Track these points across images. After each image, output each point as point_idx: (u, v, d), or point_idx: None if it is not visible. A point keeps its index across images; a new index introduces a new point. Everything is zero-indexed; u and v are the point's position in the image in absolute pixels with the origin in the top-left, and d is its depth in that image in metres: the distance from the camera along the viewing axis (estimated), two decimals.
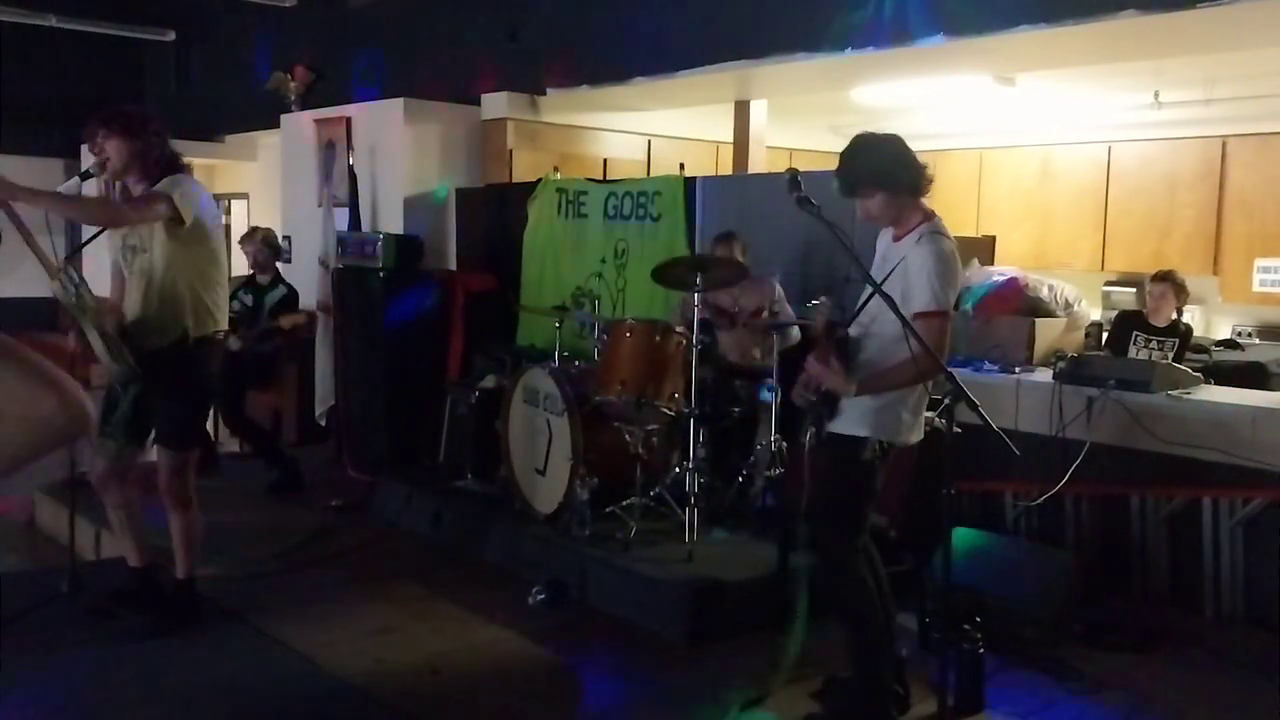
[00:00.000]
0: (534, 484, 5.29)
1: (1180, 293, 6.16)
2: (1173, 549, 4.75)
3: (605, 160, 8.42)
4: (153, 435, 4.30)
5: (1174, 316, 6.20)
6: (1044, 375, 5.13)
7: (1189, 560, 4.70)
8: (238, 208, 12.31)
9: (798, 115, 8.42)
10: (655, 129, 8.61)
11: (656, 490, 5.03)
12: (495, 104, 7.78)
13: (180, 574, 4.36)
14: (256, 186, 11.99)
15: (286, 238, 8.14)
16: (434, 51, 8.38)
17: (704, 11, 6.73)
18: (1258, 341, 7.57)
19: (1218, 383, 5.37)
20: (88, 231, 4.66)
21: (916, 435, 3.56)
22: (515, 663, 4.18)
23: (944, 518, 3.19)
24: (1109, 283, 8.39)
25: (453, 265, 7.59)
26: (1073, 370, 4.94)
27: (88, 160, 4.36)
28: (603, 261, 6.63)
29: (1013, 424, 4.94)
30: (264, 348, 6.81)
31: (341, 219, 7.45)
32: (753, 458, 5.22)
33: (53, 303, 4.17)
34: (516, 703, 3.84)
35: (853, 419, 3.45)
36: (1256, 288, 7.58)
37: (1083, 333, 5.95)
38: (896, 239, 3.50)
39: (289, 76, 9.20)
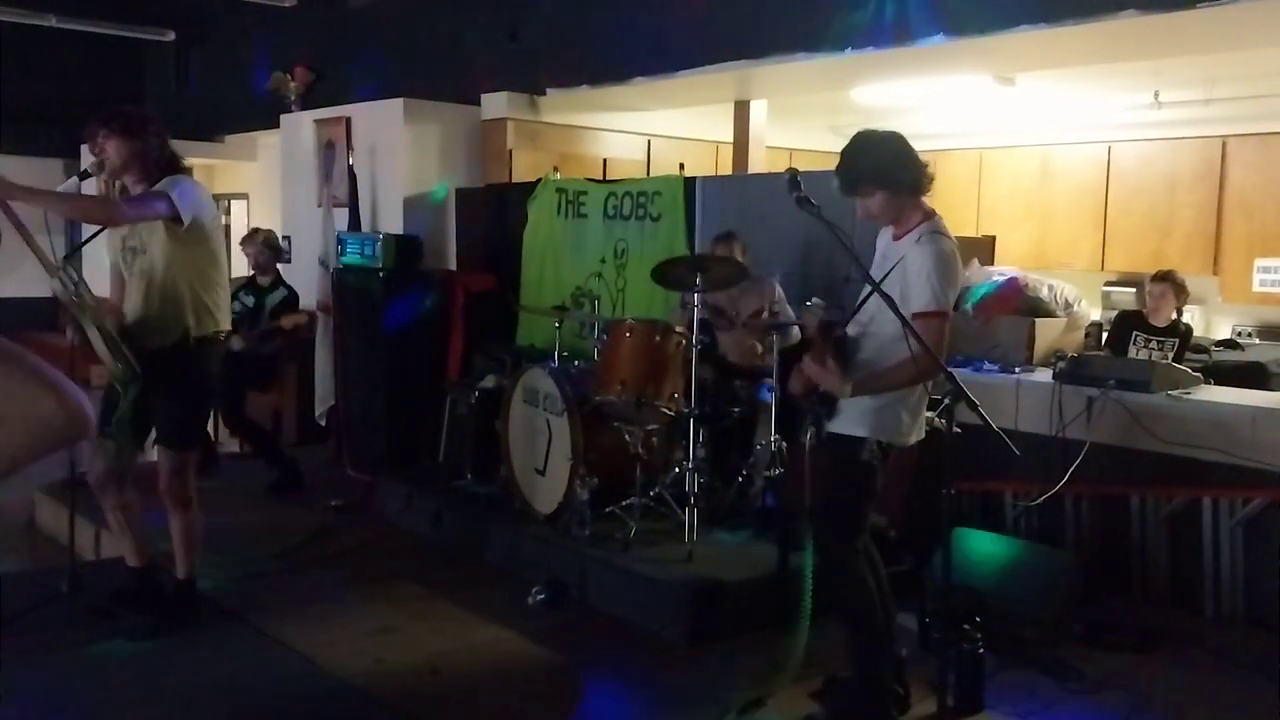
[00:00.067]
0: (534, 484, 5.29)
1: (1180, 293, 6.16)
2: (1173, 549, 4.75)
3: (605, 160, 8.42)
4: (153, 435, 4.31)
5: (1174, 316, 6.20)
6: (1044, 375, 5.13)
7: (1189, 560, 4.70)
8: (238, 208, 12.32)
9: (798, 115, 8.42)
10: (655, 129, 8.61)
11: (656, 490, 5.03)
12: (495, 104, 7.78)
13: (180, 574, 4.36)
14: (256, 187, 12.00)
15: (286, 238, 8.14)
16: (434, 51, 8.37)
17: (704, 11, 6.73)
18: (1258, 341, 7.57)
19: (1218, 383, 5.37)
20: (87, 231, 4.66)
21: (916, 435, 3.55)
22: (515, 663, 4.18)
23: (944, 518, 3.19)
24: (1109, 283, 8.39)
25: (453, 265, 7.59)
26: (1073, 370, 4.94)
27: (88, 160, 4.37)
28: (602, 261, 6.63)
29: (1013, 424, 4.94)
30: (265, 348, 6.81)
31: (341, 219, 7.45)
32: (752, 458, 5.22)
33: (53, 302, 4.17)
34: (516, 703, 3.84)
35: (851, 419, 3.44)
36: (1256, 288, 7.58)
37: (1083, 333, 5.96)
38: (896, 238, 3.50)
39: (289, 76, 9.20)
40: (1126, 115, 7.91)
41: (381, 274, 6.78)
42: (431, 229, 7.55)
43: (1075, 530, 4.98)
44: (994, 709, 3.74)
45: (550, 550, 4.98)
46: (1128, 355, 6.05)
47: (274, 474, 6.54)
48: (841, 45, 5.98)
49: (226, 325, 4.36)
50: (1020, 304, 5.57)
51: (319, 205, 7.58)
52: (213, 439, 6.98)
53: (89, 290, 4.00)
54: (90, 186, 4.80)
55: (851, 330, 3.53)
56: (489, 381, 6.03)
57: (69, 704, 3.73)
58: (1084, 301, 5.82)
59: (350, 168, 7.64)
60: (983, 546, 4.66)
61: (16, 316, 10.60)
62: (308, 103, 8.96)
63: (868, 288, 3.41)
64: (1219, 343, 7.47)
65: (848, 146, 3.49)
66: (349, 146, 7.81)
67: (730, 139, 7.93)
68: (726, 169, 8.31)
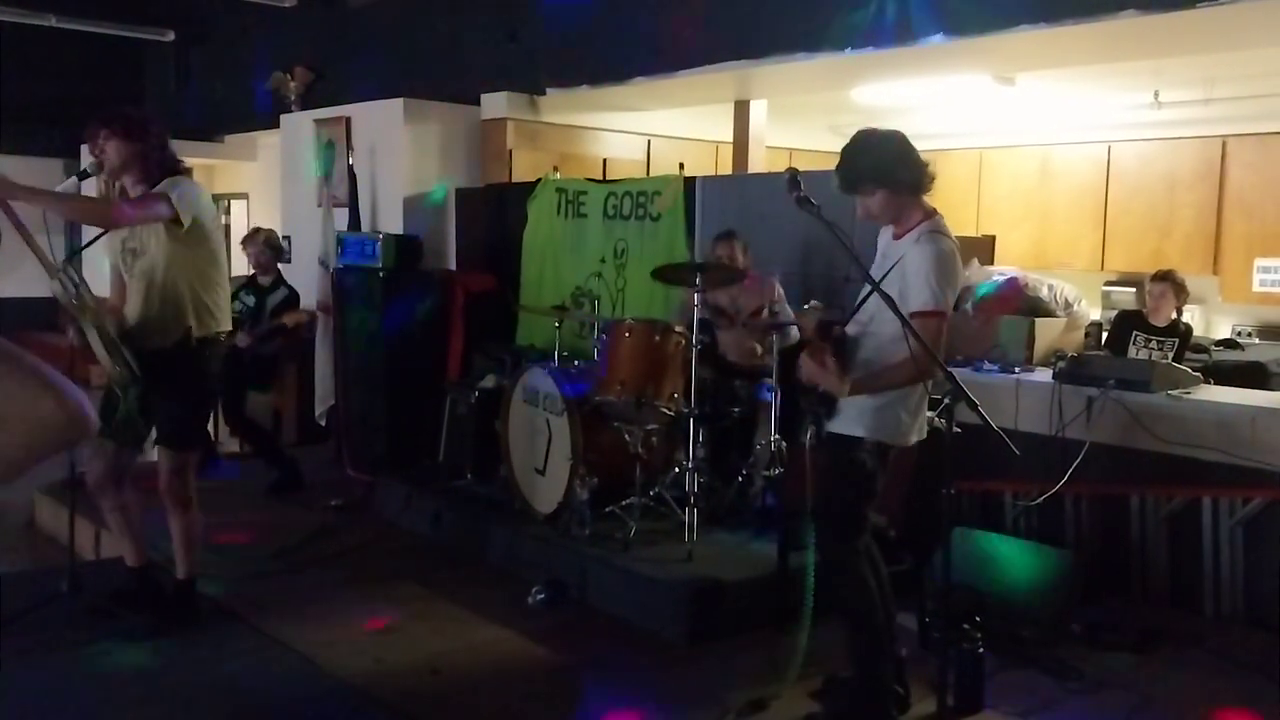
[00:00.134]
0: (534, 484, 5.29)
1: (1180, 292, 6.16)
2: (1173, 549, 4.75)
3: (605, 160, 8.42)
4: (153, 435, 4.31)
5: (1174, 316, 6.20)
6: (1044, 375, 5.13)
7: (1189, 560, 4.70)
8: (238, 208, 12.32)
9: (798, 115, 8.42)
10: (655, 129, 8.62)
11: (656, 490, 5.03)
12: (495, 104, 7.78)
13: (180, 574, 4.36)
14: (256, 187, 12.00)
15: (286, 238, 8.14)
16: (434, 51, 8.37)
17: (704, 11, 6.73)
18: (1258, 341, 7.57)
19: (1218, 382, 5.37)
20: (87, 231, 4.66)
21: (916, 436, 3.55)
22: (515, 663, 4.18)
23: (944, 518, 3.19)
24: (1109, 282, 8.39)
25: (453, 265, 7.59)
26: (1072, 370, 4.94)
27: (87, 160, 4.37)
28: (602, 261, 6.63)
29: (1013, 424, 4.94)
30: (266, 348, 6.81)
31: (341, 219, 7.45)
32: (752, 458, 5.22)
33: (53, 303, 4.16)
34: (516, 703, 3.84)
35: (850, 419, 3.44)
36: (1256, 287, 7.58)
37: (1083, 332, 5.96)
38: (897, 237, 3.50)
39: (289, 76, 9.20)
40: (1126, 115, 7.91)
41: (381, 274, 6.79)
42: (431, 229, 7.55)
43: (1075, 530, 4.98)
44: (994, 708, 3.74)
45: (550, 550, 4.98)
46: (1128, 355, 6.05)
47: (274, 474, 6.55)
48: (841, 45, 5.98)
49: (227, 325, 4.37)
50: (1020, 304, 5.57)
51: (319, 205, 7.58)
52: (213, 439, 6.98)
53: (89, 291, 4.00)
54: (89, 187, 4.80)
55: (851, 330, 3.53)
56: (489, 381, 6.03)
57: (69, 704, 3.73)
58: (1084, 301, 5.82)
59: (350, 168, 7.64)
60: (983, 546, 4.66)
61: (16, 316, 10.60)
62: (308, 103, 8.96)
63: (867, 287, 3.41)
64: (1219, 342, 7.47)
65: (848, 145, 3.49)
66: (349, 146, 7.82)
67: (730, 139, 7.93)
68: (726, 169, 8.31)
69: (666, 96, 7.64)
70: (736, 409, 5.28)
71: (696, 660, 4.19)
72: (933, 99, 7.25)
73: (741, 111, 7.73)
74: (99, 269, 4.45)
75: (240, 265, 7.31)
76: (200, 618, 4.40)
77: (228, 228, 11.15)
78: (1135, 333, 6.19)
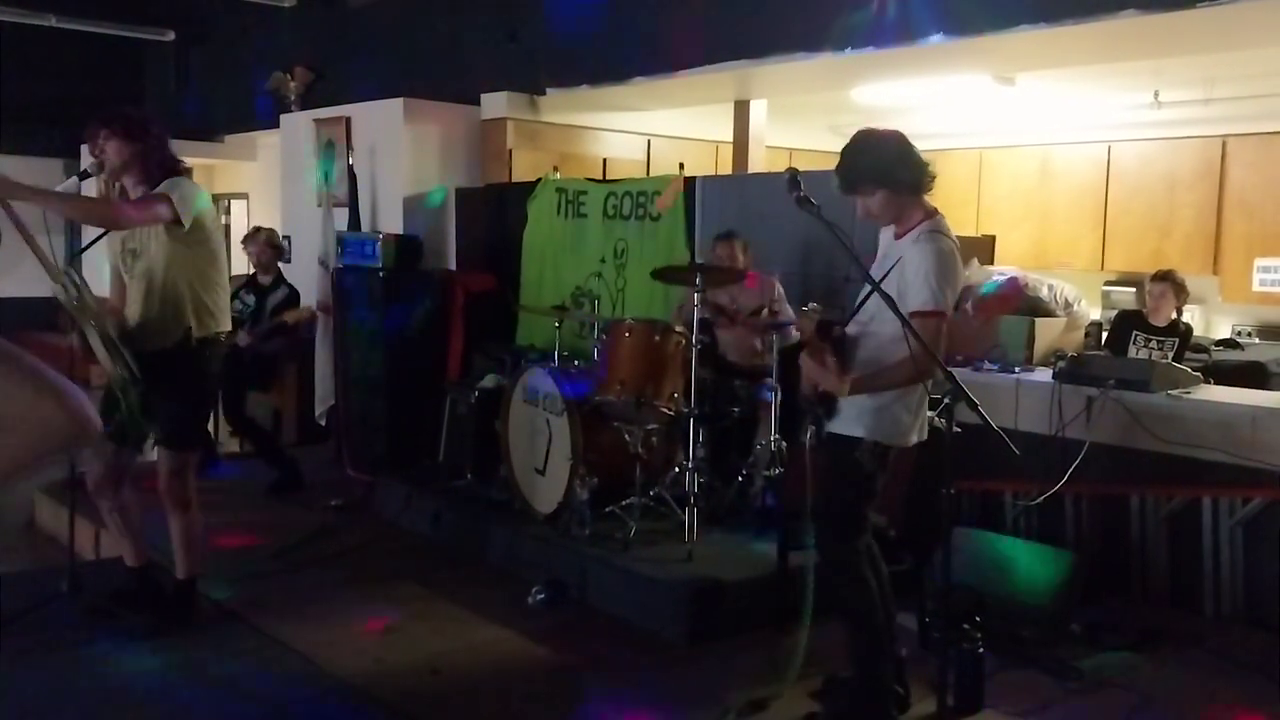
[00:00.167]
0: (534, 484, 5.30)
1: (1180, 292, 6.16)
2: (1173, 549, 4.75)
3: (605, 160, 8.42)
4: (153, 436, 4.31)
5: (1174, 316, 6.19)
6: (1044, 375, 5.13)
7: (1189, 560, 4.70)
8: (237, 208, 12.32)
9: (797, 115, 8.42)
10: (655, 129, 8.62)
11: (656, 490, 5.03)
12: (495, 104, 7.78)
13: (180, 574, 4.36)
14: (256, 187, 12.00)
15: (286, 238, 8.13)
16: (434, 51, 8.37)
17: (704, 11, 6.72)
18: (1258, 341, 7.58)
19: (1218, 382, 5.37)
20: (87, 232, 4.66)
21: (917, 436, 3.55)
22: (515, 663, 4.18)
23: (944, 518, 3.19)
24: (1109, 282, 8.39)
25: (453, 265, 7.59)
26: (1072, 370, 4.94)
27: (87, 160, 4.36)
28: (602, 261, 6.63)
29: (1013, 424, 4.94)
30: (266, 348, 6.81)
31: (341, 219, 7.45)
32: (752, 457, 5.22)
33: (52, 303, 4.15)
34: (516, 703, 3.84)
35: (850, 419, 3.44)
36: (1256, 287, 7.58)
37: (1082, 332, 5.96)
38: (898, 237, 3.49)
39: (289, 76, 9.20)
40: (1126, 115, 7.91)
41: (381, 274, 6.79)
42: (431, 229, 7.55)
43: (1075, 530, 4.98)
44: (994, 708, 3.74)
45: (550, 550, 4.98)
46: (1128, 355, 6.05)
47: (274, 474, 6.55)
48: (842, 45, 5.98)
49: (227, 326, 4.37)
50: (1020, 303, 5.57)
51: (319, 205, 7.58)
52: (213, 439, 6.98)
53: (90, 292, 4.00)
54: (89, 187, 4.80)
55: (851, 330, 3.53)
56: (489, 381, 6.04)
57: (69, 704, 3.73)
58: (1084, 301, 5.82)
59: (350, 168, 7.64)
60: (983, 546, 4.66)
61: (16, 316, 10.58)
62: (307, 103, 8.96)
63: (867, 287, 3.41)
64: (1219, 342, 7.47)
65: (848, 145, 3.48)
66: (349, 146, 7.81)
67: (730, 139, 7.93)
68: (726, 169, 8.31)
69: (666, 96, 7.64)
70: (736, 409, 5.28)
71: (696, 660, 4.19)
72: (933, 99, 7.25)
73: (741, 111, 7.73)
74: (99, 270, 4.45)
75: (240, 265, 7.31)
76: (200, 618, 4.40)
77: (228, 228, 11.15)
78: (1135, 333, 6.19)
